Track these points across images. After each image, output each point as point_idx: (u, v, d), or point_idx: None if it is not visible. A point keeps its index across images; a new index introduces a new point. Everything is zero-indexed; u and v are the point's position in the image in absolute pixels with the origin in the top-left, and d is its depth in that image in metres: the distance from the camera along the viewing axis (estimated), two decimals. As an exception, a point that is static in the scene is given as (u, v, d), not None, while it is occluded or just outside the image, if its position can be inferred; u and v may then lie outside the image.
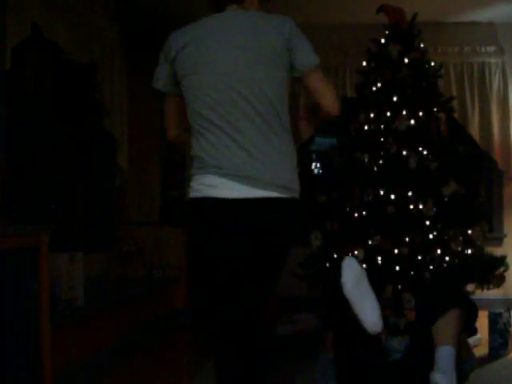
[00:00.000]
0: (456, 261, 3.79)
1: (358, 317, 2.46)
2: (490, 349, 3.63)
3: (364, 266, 3.79)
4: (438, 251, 3.78)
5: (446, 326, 2.41)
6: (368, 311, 2.47)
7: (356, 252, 3.79)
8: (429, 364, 2.37)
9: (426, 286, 3.48)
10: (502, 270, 3.91)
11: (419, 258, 3.75)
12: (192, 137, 2.05)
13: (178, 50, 2.03)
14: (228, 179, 1.89)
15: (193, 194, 1.99)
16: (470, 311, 2.55)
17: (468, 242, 3.89)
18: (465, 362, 2.57)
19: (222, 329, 2.05)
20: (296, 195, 1.95)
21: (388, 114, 3.95)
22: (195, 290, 2.11)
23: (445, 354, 2.34)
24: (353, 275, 2.47)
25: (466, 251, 3.85)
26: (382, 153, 3.87)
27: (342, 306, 2.51)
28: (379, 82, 4.05)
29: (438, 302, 2.56)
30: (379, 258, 3.76)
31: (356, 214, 3.88)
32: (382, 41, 4.15)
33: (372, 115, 4.00)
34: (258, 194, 1.88)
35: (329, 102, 1.96)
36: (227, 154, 1.90)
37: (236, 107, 1.91)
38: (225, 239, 1.94)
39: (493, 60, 5.36)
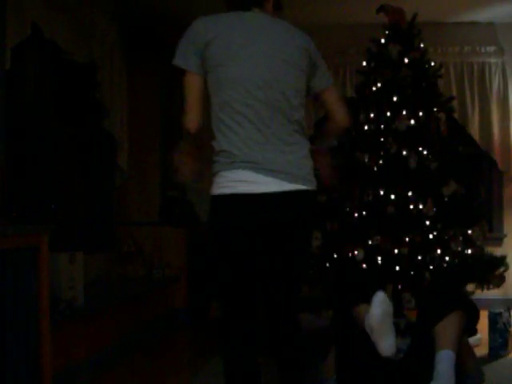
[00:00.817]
0: (456, 261, 3.78)
1: (376, 343, 2.52)
2: (490, 349, 3.63)
3: (364, 265, 3.79)
4: (438, 251, 3.77)
5: (446, 329, 2.42)
6: (387, 343, 2.53)
7: (356, 252, 3.79)
8: (429, 366, 2.37)
9: (426, 287, 3.49)
10: (501, 270, 3.90)
11: (419, 258, 3.74)
12: (215, 131, 2.03)
13: (210, 39, 2.00)
14: (263, 174, 1.94)
15: (220, 190, 1.96)
16: (471, 313, 2.55)
17: (468, 242, 3.88)
18: (469, 378, 2.57)
19: (250, 328, 2.06)
20: (315, 187, 2.08)
21: (388, 113, 3.94)
22: (227, 289, 2.09)
23: (445, 358, 2.34)
24: (382, 310, 2.52)
25: (465, 251, 3.85)
26: (382, 153, 3.87)
27: (351, 324, 2.56)
28: (379, 82, 4.05)
29: (439, 304, 2.57)
30: (379, 258, 3.76)
31: (356, 214, 3.88)
32: (382, 41, 4.15)
33: (372, 115, 3.99)
34: (290, 187, 1.97)
35: (343, 115, 2.19)
36: (258, 149, 1.96)
37: (269, 106, 1.98)
38: (262, 233, 1.99)
39: (493, 60, 5.36)
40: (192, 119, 2.01)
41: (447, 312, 2.48)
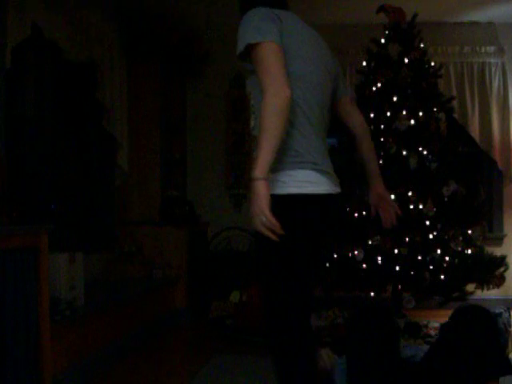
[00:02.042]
0: (456, 261, 3.79)
1: None
2: (490, 349, 3.62)
3: (364, 266, 3.79)
4: (438, 251, 3.78)
5: None
6: None
7: (356, 252, 3.79)
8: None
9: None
10: (501, 270, 3.91)
11: (419, 258, 3.75)
12: (291, 131, 1.95)
13: (284, 26, 1.93)
14: (322, 175, 1.97)
15: (290, 189, 1.91)
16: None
17: (468, 241, 3.89)
18: None
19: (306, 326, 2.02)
20: None
21: (388, 113, 3.95)
22: (287, 290, 1.96)
23: None
24: None
25: (465, 251, 3.85)
26: (382, 153, 3.87)
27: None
28: (379, 82, 4.05)
29: (476, 369, 2.28)
30: (379, 258, 3.76)
31: (356, 214, 3.88)
32: (382, 41, 4.15)
33: (372, 115, 3.99)
34: (335, 190, 2.04)
35: (361, 118, 2.33)
36: (318, 150, 1.99)
37: (321, 111, 2.04)
38: (321, 233, 2.03)
39: (493, 60, 5.36)
40: (286, 83, 1.82)
41: (484, 379, 2.25)
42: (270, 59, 1.84)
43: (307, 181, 1.93)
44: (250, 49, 1.87)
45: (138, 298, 4.23)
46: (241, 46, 1.89)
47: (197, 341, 4.34)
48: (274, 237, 1.78)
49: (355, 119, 2.31)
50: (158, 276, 4.75)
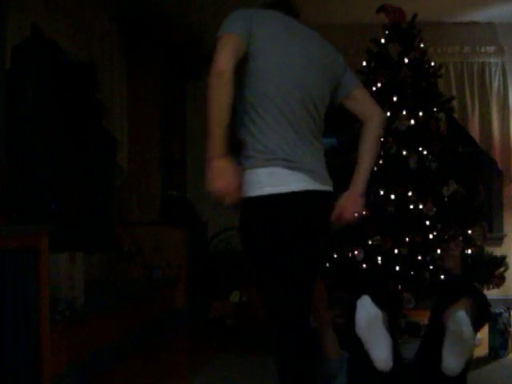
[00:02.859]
0: (456, 261, 3.79)
1: (369, 354, 2.39)
2: (490, 349, 3.62)
3: (364, 266, 3.79)
4: (438, 251, 3.78)
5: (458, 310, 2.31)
6: (377, 352, 2.39)
7: (356, 252, 3.79)
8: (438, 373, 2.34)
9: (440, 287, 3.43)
10: (501, 270, 3.91)
11: (419, 258, 3.75)
12: (247, 124, 1.95)
13: (259, 23, 1.95)
14: (299, 172, 1.93)
15: (265, 190, 1.89)
16: (481, 302, 2.49)
17: (468, 242, 3.89)
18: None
19: (299, 325, 2.00)
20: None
21: (388, 114, 3.95)
22: (274, 290, 1.96)
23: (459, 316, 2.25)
24: (365, 316, 2.39)
25: (465, 251, 3.85)
26: (382, 153, 3.87)
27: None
28: (379, 82, 4.05)
29: (449, 293, 2.50)
30: (379, 258, 3.76)
31: (356, 214, 3.88)
32: (382, 41, 4.15)
33: (372, 115, 3.99)
34: (322, 187, 1.99)
35: (376, 111, 2.22)
36: (295, 148, 1.95)
37: (303, 108, 1.98)
38: (301, 234, 1.97)
39: (493, 60, 5.36)
40: (228, 58, 1.85)
41: (458, 298, 2.39)
42: (222, 42, 1.92)
43: (277, 179, 1.89)
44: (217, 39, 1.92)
45: (138, 298, 4.23)
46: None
47: (197, 341, 4.34)
48: (228, 202, 1.83)
49: (367, 111, 2.21)
50: (158, 276, 4.75)
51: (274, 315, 1.97)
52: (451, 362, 2.26)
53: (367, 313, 2.40)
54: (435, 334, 2.43)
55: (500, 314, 3.63)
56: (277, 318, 1.97)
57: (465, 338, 2.23)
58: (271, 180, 1.89)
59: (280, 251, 1.92)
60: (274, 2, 2.11)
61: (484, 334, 3.79)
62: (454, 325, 2.24)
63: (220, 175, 1.80)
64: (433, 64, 4.15)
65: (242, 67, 1.93)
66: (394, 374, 2.45)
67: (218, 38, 1.92)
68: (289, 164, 1.91)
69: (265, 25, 1.96)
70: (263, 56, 1.93)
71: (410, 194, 3.81)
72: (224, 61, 1.84)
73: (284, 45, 1.97)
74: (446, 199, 3.86)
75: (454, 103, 4.63)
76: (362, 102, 2.20)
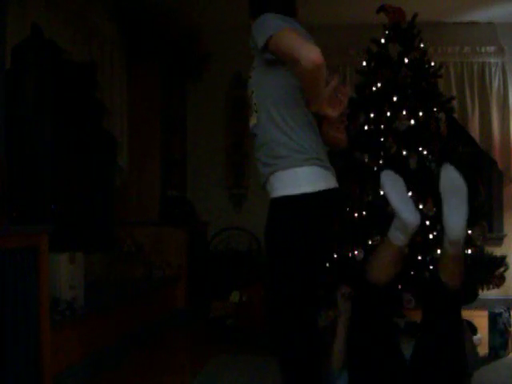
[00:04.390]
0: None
1: (398, 216, 2.37)
2: (490, 349, 3.63)
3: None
4: (438, 251, 3.77)
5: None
6: (408, 209, 2.41)
7: (356, 252, 3.79)
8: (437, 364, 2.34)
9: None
10: (501, 270, 3.90)
11: (419, 258, 3.74)
12: (284, 124, 2.02)
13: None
14: (326, 170, 2.05)
15: (305, 188, 1.99)
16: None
17: (468, 242, 3.88)
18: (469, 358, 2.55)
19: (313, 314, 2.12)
20: None
21: (388, 113, 3.94)
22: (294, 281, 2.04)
23: None
24: (392, 178, 2.43)
25: (465, 251, 3.85)
26: (382, 153, 3.87)
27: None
28: (379, 82, 4.04)
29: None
30: (379, 258, 3.75)
31: (356, 214, 3.88)
32: (382, 41, 4.15)
33: (372, 115, 3.99)
34: (336, 184, 2.11)
35: None
36: (318, 147, 2.06)
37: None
38: (327, 228, 2.11)
39: (493, 60, 5.36)
40: (315, 47, 1.86)
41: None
42: (292, 35, 1.90)
43: (316, 178, 2.00)
44: (270, 40, 1.91)
45: (138, 298, 4.23)
46: (261, 41, 1.93)
47: (197, 341, 4.34)
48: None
49: None
50: (158, 276, 4.75)
51: (291, 308, 2.02)
52: (453, 219, 2.34)
53: (392, 177, 2.44)
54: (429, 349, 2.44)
55: (500, 314, 3.63)
56: (292, 311, 2.02)
57: (458, 186, 2.32)
58: (310, 179, 1.99)
59: (308, 247, 2.02)
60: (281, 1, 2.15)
61: (484, 333, 3.79)
62: (445, 181, 2.33)
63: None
64: (433, 64, 4.14)
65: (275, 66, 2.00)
66: (395, 374, 2.45)
67: (275, 35, 1.90)
68: (321, 163, 2.03)
69: (300, 31, 2.03)
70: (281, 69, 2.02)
71: (409, 194, 3.80)
72: (319, 52, 1.85)
73: None
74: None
75: (454, 103, 4.62)
76: None
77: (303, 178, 1.99)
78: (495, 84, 5.33)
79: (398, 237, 2.36)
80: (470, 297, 2.69)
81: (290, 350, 2.03)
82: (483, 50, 5.36)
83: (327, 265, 2.21)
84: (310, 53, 1.82)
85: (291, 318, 2.03)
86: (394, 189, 2.35)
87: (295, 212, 2.00)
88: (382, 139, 3.91)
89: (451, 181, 2.26)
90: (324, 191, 2.01)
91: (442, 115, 4.03)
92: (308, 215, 2.01)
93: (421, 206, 3.78)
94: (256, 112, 2.08)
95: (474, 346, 2.75)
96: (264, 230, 2.09)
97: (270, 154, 2.03)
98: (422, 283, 3.45)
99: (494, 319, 3.64)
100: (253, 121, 2.11)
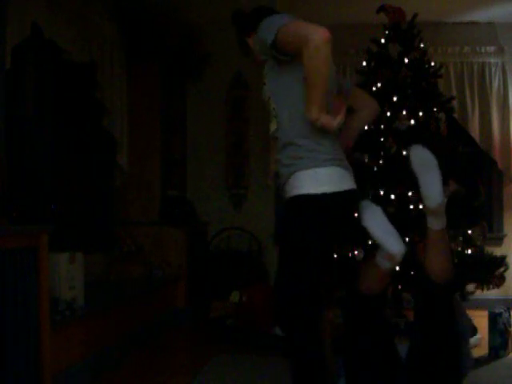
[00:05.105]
0: (456, 261, 3.78)
1: (380, 244, 2.35)
2: (490, 349, 3.63)
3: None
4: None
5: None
6: (387, 236, 2.37)
7: (356, 252, 3.79)
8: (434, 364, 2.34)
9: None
10: (501, 270, 3.90)
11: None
12: (303, 125, 2.04)
13: None
14: (346, 171, 2.10)
15: (325, 187, 2.02)
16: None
17: (468, 241, 3.88)
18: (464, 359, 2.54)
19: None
20: None
21: (388, 113, 3.94)
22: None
23: None
24: (369, 211, 2.39)
25: (465, 251, 3.85)
26: (382, 153, 3.87)
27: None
28: (379, 81, 4.04)
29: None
30: (379, 258, 3.75)
31: (356, 214, 3.88)
32: (382, 41, 4.15)
33: (372, 115, 3.99)
34: (354, 185, 2.15)
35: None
36: (338, 146, 2.12)
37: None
38: (345, 228, 2.19)
39: (493, 60, 5.36)
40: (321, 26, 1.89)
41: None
42: (298, 24, 1.93)
43: (336, 179, 2.04)
44: (278, 34, 1.94)
45: (138, 298, 4.23)
46: (271, 36, 1.95)
47: (197, 341, 4.34)
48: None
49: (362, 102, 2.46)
50: (158, 276, 4.75)
51: (306, 303, 2.05)
52: (429, 188, 2.31)
53: (370, 208, 2.41)
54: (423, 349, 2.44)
55: (500, 314, 3.63)
56: (307, 306, 2.05)
57: (427, 159, 2.31)
58: (331, 179, 2.03)
59: (329, 245, 2.13)
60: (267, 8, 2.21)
61: (484, 333, 3.79)
62: (415, 158, 2.32)
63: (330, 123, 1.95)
64: (433, 64, 4.14)
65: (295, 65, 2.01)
66: (392, 374, 2.45)
67: (281, 27, 1.94)
68: (341, 163, 2.08)
69: None
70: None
71: (410, 194, 3.80)
72: (325, 28, 1.88)
73: None
74: (445, 199, 3.86)
75: (454, 103, 4.62)
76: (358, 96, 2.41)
77: (323, 178, 2.02)
78: (495, 84, 5.33)
79: (385, 264, 2.36)
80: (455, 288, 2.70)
81: (300, 349, 2.05)
82: (483, 50, 5.36)
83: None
84: (317, 29, 1.86)
85: (303, 317, 2.05)
86: (374, 221, 2.35)
87: (314, 211, 2.03)
88: (382, 139, 3.91)
89: (420, 157, 2.31)
90: (343, 192, 2.05)
91: (441, 115, 4.03)
92: (327, 215, 2.03)
93: (421, 206, 3.78)
94: (275, 117, 2.11)
95: (468, 350, 2.75)
96: (279, 228, 2.13)
97: (290, 155, 2.06)
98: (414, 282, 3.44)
99: (494, 319, 3.64)
100: (273, 126, 2.15)
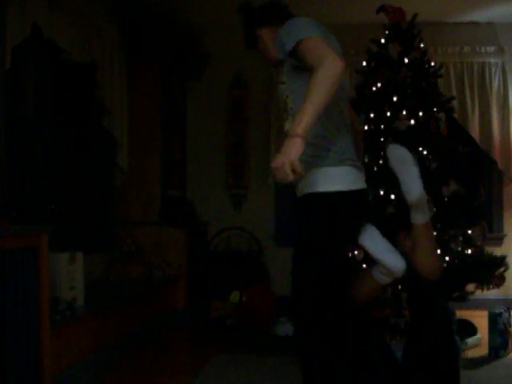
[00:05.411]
0: (456, 261, 3.78)
1: (380, 261, 2.34)
2: (490, 349, 3.63)
3: (364, 266, 3.79)
4: (438, 251, 3.77)
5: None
6: (387, 253, 2.37)
7: (356, 252, 3.79)
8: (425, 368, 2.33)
9: None
10: (501, 270, 3.90)
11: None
12: (321, 126, 2.06)
13: (329, 41, 2.06)
14: (358, 171, 2.13)
15: (337, 187, 2.05)
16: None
17: (468, 242, 3.88)
18: None
19: None
20: None
21: (388, 114, 3.94)
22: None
23: None
24: (394, 152, 2.38)
25: (465, 251, 3.85)
26: (382, 153, 3.87)
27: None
28: (379, 81, 4.04)
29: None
30: (379, 258, 3.75)
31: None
32: (382, 41, 4.15)
33: (372, 115, 3.99)
34: (365, 185, 2.19)
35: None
36: (352, 147, 2.15)
37: (348, 109, 2.26)
38: (356, 227, 2.21)
39: (493, 60, 5.36)
40: (340, 57, 1.89)
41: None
42: (320, 44, 1.93)
43: (350, 178, 2.08)
44: (299, 44, 1.95)
45: (138, 298, 4.23)
46: (291, 43, 1.98)
47: (197, 341, 4.34)
48: (290, 178, 1.82)
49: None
50: (158, 276, 4.75)
51: (331, 303, 2.08)
52: (409, 182, 2.29)
53: (396, 149, 2.39)
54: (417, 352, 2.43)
55: (500, 314, 3.63)
56: (331, 305, 2.08)
57: (404, 156, 2.32)
58: (345, 178, 2.07)
59: (342, 246, 2.15)
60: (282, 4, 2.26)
61: (484, 333, 3.79)
62: (393, 157, 2.30)
63: (296, 152, 1.83)
64: (433, 64, 4.14)
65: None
66: (389, 376, 2.44)
67: (305, 39, 1.95)
68: (356, 164, 2.12)
69: (331, 39, 2.12)
70: None
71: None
72: (342, 60, 1.89)
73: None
74: (445, 199, 3.86)
75: (454, 103, 4.62)
76: None
77: (338, 177, 2.06)
78: (495, 84, 5.33)
79: (383, 279, 2.37)
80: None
81: (314, 350, 2.09)
82: (483, 50, 5.36)
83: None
84: (334, 58, 1.86)
85: (321, 318, 2.07)
86: (372, 240, 2.36)
87: (327, 208, 2.06)
88: (382, 139, 3.91)
89: (396, 154, 2.33)
90: (357, 191, 2.09)
91: (442, 115, 4.03)
92: (339, 213, 2.07)
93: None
94: (292, 116, 2.11)
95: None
96: (293, 225, 2.14)
97: (306, 153, 2.06)
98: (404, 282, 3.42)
99: (494, 319, 3.64)
100: (288, 124, 2.16)
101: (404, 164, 2.33)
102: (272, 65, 2.34)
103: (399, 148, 2.35)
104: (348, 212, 2.10)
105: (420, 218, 2.35)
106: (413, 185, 2.30)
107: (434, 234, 3.78)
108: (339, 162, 2.07)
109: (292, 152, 1.82)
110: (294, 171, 1.82)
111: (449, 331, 2.39)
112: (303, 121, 1.84)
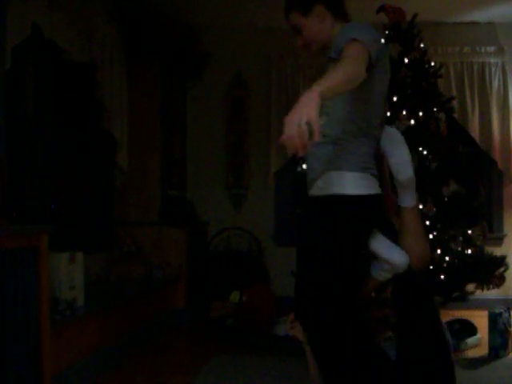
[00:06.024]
0: (456, 261, 3.79)
1: (387, 259, 2.32)
2: (490, 349, 3.63)
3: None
4: (438, 251, 3.77)
5: None
6: (392, 250, 2.34)
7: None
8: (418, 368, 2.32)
9: None
10: (501, 270, 3.91)
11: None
12: (361, 136, 2.09)
13: (382, 57, 2.13)
14: (374, 177, 2.15)
15: (361, 190, 2.08)
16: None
17: (468, 241, 3.89)
18: None
19: None
20: None
21: (388, 114, 3.95)
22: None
23: None
24: (386, 131, 2.37)
25: (466, 251, 3.85)
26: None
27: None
28: (379, 81, 4.05)
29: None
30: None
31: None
32: (382, 41, 4.15)
33: (372, 115, 3.99)
34: (379, 190, 2.20)
35: None
36: (373, 157, 2.17)
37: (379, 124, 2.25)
38: (368, 232, 2.22)
39: (493, 60, 5.36)
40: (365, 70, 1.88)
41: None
42: (363, 53, 1.92)
43: (366, 183, 2.10)
44: (346, 45, 1.95)
45: (138, 298, 4.23)
46: (342, 43, 1.97)
47: (197, 341, 4.34)
48: (302, 150, 1.56)
49: None
50: (158, 276, 4.75)
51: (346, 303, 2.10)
52: (397, 160, 2.29)
53: (386, 129, 2.38)
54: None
55: (500, 314, 3.63)
56: (344, 305, 2.10)
57: (392, 134, 2.31)
58: (361, 183, 2.08)
59: (360, 247, 2.15)
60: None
61: (484, 333, 3.79)
62: (384, 137, 2.29)
63: (315, 106, 1.58)
64: (433, 64, 4.15)
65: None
66: (385, 375, 2.44)
67: (357, 41, 1.95)
68: (373, 172, 2.14)
69: (384, 58, 2.18)
70: (375, 82, 2.09)
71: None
72: (364, 71, 1.88)
73: (386, 78, 2.19)
74: (446, 199, 3.86)
75: (454, 103, 4.63)
76: None
77: (354, 181, 2.07)
78: (495, 84, 5.33)
79: (384, 276, 2.37)
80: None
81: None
82: (483, 50, 5.36)
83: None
84: (364, 69, 1.87)
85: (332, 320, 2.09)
86: (374, 238, 2.37)
87: (340, 211, 2.07)
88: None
89: (388, 134, 2.33)
90: (371, 196, 2.11)
91: (441, 115, 4.04)
92: (354, 217, 2.08)
93: (421, 206, 3.78)
94: (327, 114, 2.10)
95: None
96: (302, 226, 2.15)
97: (335, 153, 2.10)
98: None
99: (494, 319, 3.64)
100: (320, 122, 2.14)
101: (394, 143, 2.33)
102: (302, 47, 2.33)
103: (389, 128, 2.36)
104: (373, 215, 2.15)
105: (409, 200, 2.34)
106: (403, 162, 2.31)
107: (435, 233, 3.80)
108: (363, 170, 2.09)
109: (310, 105, 1.56)
110: (311, 134, 1.54)
111: (438, 325, 2.36)
112: (328, 83, 1.69)
